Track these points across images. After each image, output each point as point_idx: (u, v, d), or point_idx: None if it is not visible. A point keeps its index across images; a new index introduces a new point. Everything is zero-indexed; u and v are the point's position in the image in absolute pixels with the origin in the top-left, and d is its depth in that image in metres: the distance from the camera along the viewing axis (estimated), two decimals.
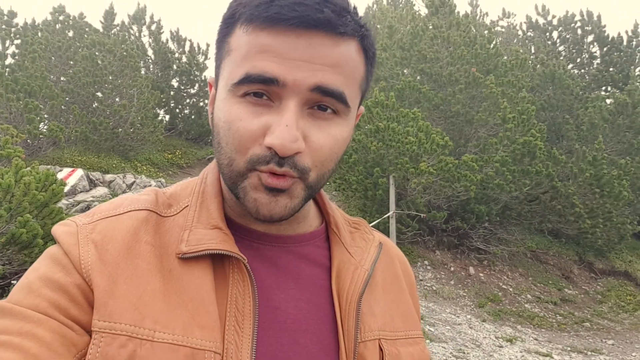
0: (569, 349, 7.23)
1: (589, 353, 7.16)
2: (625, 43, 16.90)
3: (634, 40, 16.89)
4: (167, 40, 17.88)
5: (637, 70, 16.23)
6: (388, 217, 8.88)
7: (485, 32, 13.78)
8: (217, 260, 0.63)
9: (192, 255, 0.62)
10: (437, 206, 9.70)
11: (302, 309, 0.66)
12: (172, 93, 17.02)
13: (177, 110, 17.11)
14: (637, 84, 14.21)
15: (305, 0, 0.59)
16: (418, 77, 11.94)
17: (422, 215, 9.26)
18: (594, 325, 9.20)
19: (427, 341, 6.01)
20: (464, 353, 6.03)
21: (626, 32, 17.12)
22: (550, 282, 10.62)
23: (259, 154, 0.59)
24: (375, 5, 21.24)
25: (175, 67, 17.17)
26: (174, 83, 17.37)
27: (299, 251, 0.71)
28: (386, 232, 8.77)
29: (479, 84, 10.74)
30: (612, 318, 9.92)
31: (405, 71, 12.36)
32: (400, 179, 9.22)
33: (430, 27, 12.26)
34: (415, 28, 12.05)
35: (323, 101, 0.61)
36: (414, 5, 21.21)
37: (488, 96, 10.58)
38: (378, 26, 15.98)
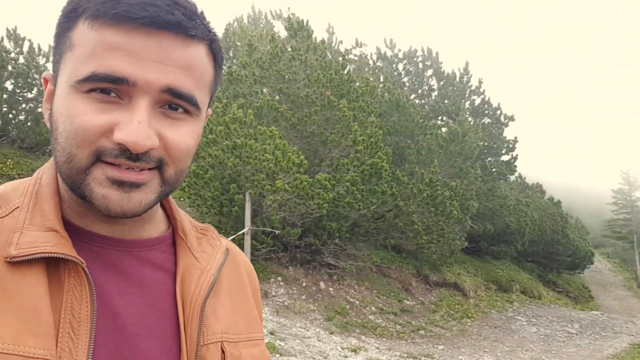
0: (405, 355, 7.85)
1: (423, 358, 7.85)
2: (458, 79, 19.11)
3: (465, 77, 19.18)
4: (2, 38, 16.02)
5: (467, 103, 18.42)
6: (243, 233, 8.90)
7: (340, 58, 14.61)
8: (52, 265, 0.60)
9: (22, 259, 0.58)
10: (291, 223, 9.95)
11: (144, 313, 0.65)
12: (5, 96, 15.20)
13: (11, 115, 15.29)
14: (467, 115, 16.12)
15: (155, 1, 0.59)
16: (277, 97, 12.23)
17: (276, 232, 9.44)
18: (427, 332, 10.11)
19: (277, 355, 6.11)
20: None
21: (459, 69, 19.39)
22: (392, 294, 11.46)
23: (107, 147, 0.58)
24: (235, 23, 21.34)
25: (10, 68, 15.39)
26: (8, 85, 15.56)
27: (143, 256, 0.69)
28: (241, 248, 8.77)
29: (333, 107, 11.32)
30: (443, 325, 10.99)
31: (264, 90, 12.58)
32: (257, 195, 9.32)
33: (289, 49, 12.68)
34: (275, 49, 12.37)
35: (174, 102, 0.62)
36: (274, 26, 21.75)
37: (341, 119, 11.20)
38: (238, 43, 16.09)
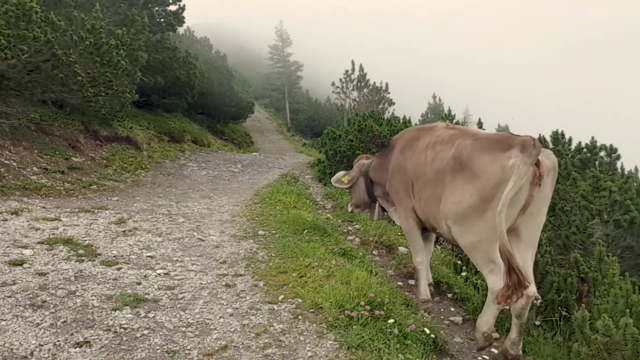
0: (77, 210, 7.64)
1: (96, 210, 7.79)
2: None
3: None
4: None
5: None
6: None
7: None
8: None
9: None
10: None
11: None
12: None
13: None
14: None
15: None
16: None
17: None
18: (100, 187, 9.94)
19: None
20: None
21: None
22: (57, 152, 10.63)
23: None
24: None
25: None
26: None
27: None
28: None
29: None
30: (116, 179, 10.95)
31: None
32: None
33: None
34: None
35: None
36: None
37: None
38: None
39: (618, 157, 7.73)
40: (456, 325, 5.67)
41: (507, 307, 4.65)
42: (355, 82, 23.33)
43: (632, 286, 4.94)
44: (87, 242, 6.09)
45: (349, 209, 6.78)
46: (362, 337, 4.21)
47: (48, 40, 9.53)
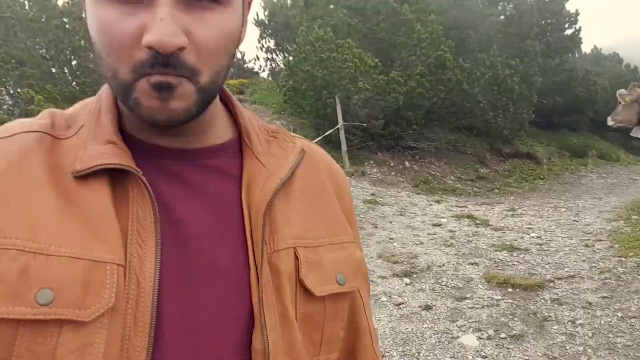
0: (480, 203, 10.00)
1: (494, 204, 9.96)
2: None
3: None
4: None
5: None
6: (337, 129, 11.19)
7: None
8: (116, 177, 0.59)
9: (86, 172, 0.58)
10: (374, 117, 12.08)
11: (210, 222, 0.63)
12: None
13: None
14: None
15: None
16: (344, 11, 13.99)
17: (363, 125, 11.63)
18: (501, 191, 12.11)
19: (379, 206, 8.51)
20: (405, 209, 8.61)
21: None
22: (468, 166, 13.45)
23: (142, 58, 0.54)
24: None
25: None
26: None
27: (207, 164, 0.67)
28: (338, 142, 11.14)
29: (396, 13, 12.94)
30: (515, 186, 12.91)
31: (332, 6, 14.33)
32: (344, 97, 11.47)
33: None
34: None
35: None
36: None
37: (405, 22, 12.83)
38: None
39: None
40: None
41: None
42: None
43: None
44: (482, 218, 8.30)
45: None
46: None
47: (458, 80, 12.54)
